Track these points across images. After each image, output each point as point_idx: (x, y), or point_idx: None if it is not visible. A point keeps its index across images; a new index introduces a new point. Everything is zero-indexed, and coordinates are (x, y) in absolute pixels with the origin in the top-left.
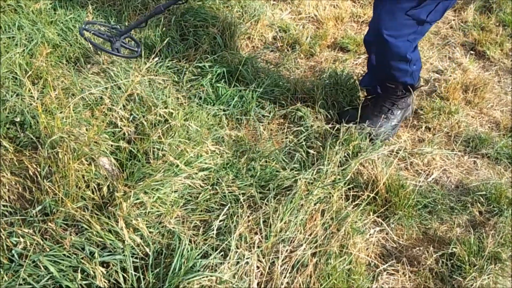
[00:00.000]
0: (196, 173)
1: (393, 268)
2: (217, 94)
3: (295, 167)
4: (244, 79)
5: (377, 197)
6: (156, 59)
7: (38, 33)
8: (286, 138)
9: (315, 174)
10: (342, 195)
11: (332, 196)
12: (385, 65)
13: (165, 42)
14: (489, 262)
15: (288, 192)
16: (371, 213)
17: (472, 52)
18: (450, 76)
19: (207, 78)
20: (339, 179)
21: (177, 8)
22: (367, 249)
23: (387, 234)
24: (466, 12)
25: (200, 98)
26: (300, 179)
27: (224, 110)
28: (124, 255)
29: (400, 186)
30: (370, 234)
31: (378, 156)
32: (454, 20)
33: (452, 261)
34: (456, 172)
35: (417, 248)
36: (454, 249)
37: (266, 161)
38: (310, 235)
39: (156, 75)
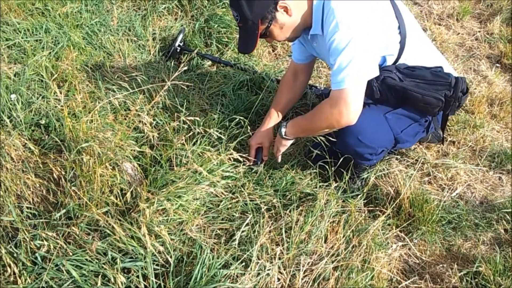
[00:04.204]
0: (219, 181)
1: (415, 285)
2: (239, 101)
3: (316, 176)
4: (266, 87)
5: (400, 211)
6: (185, 68)
7: (64, 36)
8: (307, 147)
9: (335, 184)
10: (363, 209)
11: (352, 207)
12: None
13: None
14: None
15: (309, 202)
16: (394, 227)
17: (497, 65)
18: (475, 89)
19: (229, 85)
20: (360, 189)
21: (200, 15)
22: (389, 264)
23: (409, 249)
24: (492, 24)
25: (223, 105)
26: (320, 188)
27: (246, 117)
28: (145, 262)
29: (424, 201)
30: (392, 249)
31: (399, 169)
32: (479, 32)
33: (476, 280)
34: (481, 187)
35: (441, 265)
36: (479, 268)
37: (287, 169)
38: (331, 248)
39: (180, 81)
